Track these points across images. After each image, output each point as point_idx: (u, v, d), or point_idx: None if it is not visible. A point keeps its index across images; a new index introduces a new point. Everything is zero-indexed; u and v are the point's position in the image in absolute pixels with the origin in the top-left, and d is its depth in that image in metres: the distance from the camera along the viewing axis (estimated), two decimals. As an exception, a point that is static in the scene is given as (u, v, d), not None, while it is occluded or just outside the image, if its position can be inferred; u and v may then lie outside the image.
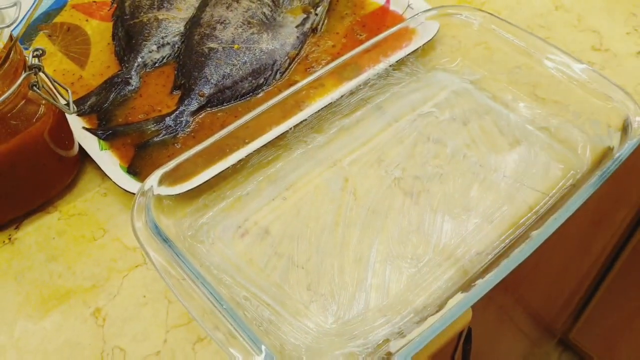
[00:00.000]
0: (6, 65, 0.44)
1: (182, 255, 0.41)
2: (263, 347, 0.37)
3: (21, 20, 0.45)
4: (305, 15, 0.64)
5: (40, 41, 0.65)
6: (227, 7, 0.63)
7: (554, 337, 1.36)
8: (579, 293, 1.16)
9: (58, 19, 0.67)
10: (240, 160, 0.51)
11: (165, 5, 0.65)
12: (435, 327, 0.39)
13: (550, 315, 1.16)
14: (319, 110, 0.54)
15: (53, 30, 0.66)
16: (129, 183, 0.51)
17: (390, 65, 0.58)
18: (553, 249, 0.76)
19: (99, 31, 0.66)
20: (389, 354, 0.39)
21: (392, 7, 0.66)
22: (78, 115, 0.56)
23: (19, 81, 0.45)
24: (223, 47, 0.60)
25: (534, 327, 1.14)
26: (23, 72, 0.46)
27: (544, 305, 1.07)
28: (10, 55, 0.45)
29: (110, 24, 0.66)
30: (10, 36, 0.45)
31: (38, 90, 0.46)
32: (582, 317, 1.26)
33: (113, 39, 0.64)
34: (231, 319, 0.38)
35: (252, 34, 0.61)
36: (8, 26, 0.44)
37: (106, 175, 0.51)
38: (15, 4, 0.45)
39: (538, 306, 1.03)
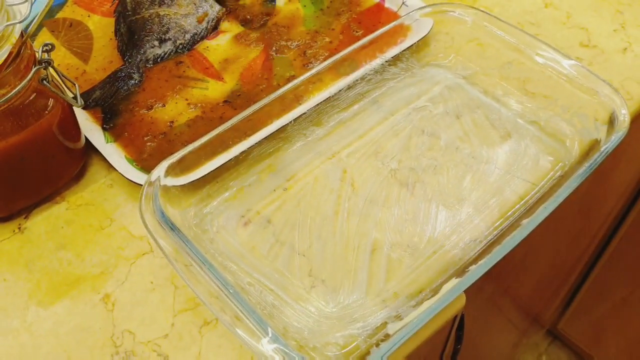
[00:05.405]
0: (18, 60, 0.46)
1: (189, 242, 0.43)
2: (269, 329, 0.39)
3: (31, 16, 0.46)
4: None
5: (43, 36, 0.66)
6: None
7: (543, 328, 1.38)
8: (567, 284, 1.18)
9: (60, 15, 0.69)
10: (242, 152, 0.52)
11: (166, 1, 0.66)
12: (430, 310, 0.41)
13: (539, 306, 1.18)
14: (317, 104, 0.56)
15: (56, 26, 0.68)
16: (135, 174, 0.52)
17: (386, 61, 0.60)
18: (542, 239, 0.78)
19: (100, 26, 0.68)
20: (387, 336, 0.41)
21: (387, 5, 0.68)
22: (83, 108, 0.58)
23: (29, 75, 0.47)
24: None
25: (523, 317, 1.16)
26: (33, 67, 0.47)
27: (533, 296, 1.09)
28: (22, 51, 0.46)
29: (112, 20, 0.68)
30: (22, 32, 0.46)
31: (48, 84, 0.48)
32: (570, 307, 1.28)
33: (115, 35, 0.66)
34: (237, 302, 0.40)
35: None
36: (20, 22, 0.45)
37: (112, 166, 0.53)
38: (26, 1, 0.46)
39: (527, 297, 1.05)
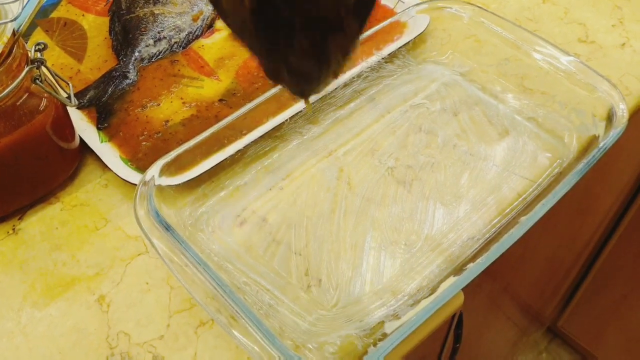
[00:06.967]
0: (9, 59, 0.45)
1: (184, 242, 0.43)
2: (265, 329, 0.38)
3: (23, 15, 0.46)
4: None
5: (37, 36, 0.66)
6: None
7: (543, 326, 1.38)
8: (567, 282, 1.18)
9: (54, 14, 0.68)
10: (238, 151, 0.52)
11: (161, 0, 0.66)
12: (428, 309, 0.41)
13: (538, 304, 1.18)
14: (314, 102, 0.56)
15: (50, 25, 0.67)
16: (130, 174, 0.52)
17: (382, 58, 0.59)
18: (540, 237, 0.78)
19: (95, 26, 0.67)
20: (385, 335, 0.41)
21: (383, 1, 0.68)
22: (77, 108, 0.58)
23: (22, 75, 0.46)
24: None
25: (523, 315, 1.16)
26: (26, 66, 0.47)
27: (533, 294, 1.08)
28: (14, 50, 0.46)
29: (106, 19, 0.67)
30: (13, 31, 0.46)
31: (41, 84, 0.48)
32: (570, 305, 1.28)
33: (110, 34, 0.65)
34: (233, 302, 0.40)
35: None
36: (11, 21, 0.45)
37: (107, 166, 0.53)
38: None
39: (526, 295, 1.05)
